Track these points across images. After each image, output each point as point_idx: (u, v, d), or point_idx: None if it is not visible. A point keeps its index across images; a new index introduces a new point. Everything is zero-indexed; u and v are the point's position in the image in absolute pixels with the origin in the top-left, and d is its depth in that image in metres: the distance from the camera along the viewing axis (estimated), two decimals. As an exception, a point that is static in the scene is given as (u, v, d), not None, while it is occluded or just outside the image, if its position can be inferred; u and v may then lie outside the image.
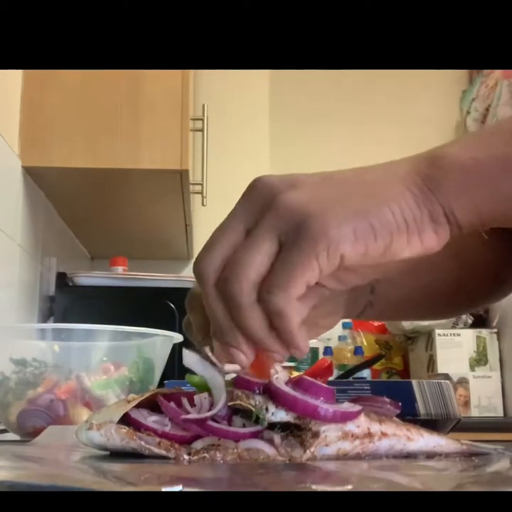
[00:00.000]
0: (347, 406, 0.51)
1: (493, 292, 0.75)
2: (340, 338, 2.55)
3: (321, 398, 0.50)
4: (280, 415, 0.50)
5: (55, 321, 1.79)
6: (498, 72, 2.10)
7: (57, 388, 0.83)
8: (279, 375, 0.51)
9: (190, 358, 0.54)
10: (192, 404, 0.52)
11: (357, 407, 0.50)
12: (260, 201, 0.43)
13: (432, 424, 0.70)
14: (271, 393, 0.50)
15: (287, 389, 0.50)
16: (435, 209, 0.42)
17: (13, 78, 1.63)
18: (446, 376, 2.16)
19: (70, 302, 1.84)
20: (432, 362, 2.29)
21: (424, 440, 0.53)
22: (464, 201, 0.42)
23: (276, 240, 0.42)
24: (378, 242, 0.42)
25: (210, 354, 0.54)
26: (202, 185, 1.98)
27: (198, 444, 0.50)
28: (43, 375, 0.84)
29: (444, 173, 0.42)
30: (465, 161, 0.42)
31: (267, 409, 0.50)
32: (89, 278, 1.91)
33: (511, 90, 1.81)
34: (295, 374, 0.54)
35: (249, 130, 2.72)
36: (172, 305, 1.79)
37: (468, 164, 0.42)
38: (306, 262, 0.40)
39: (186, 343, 0.57)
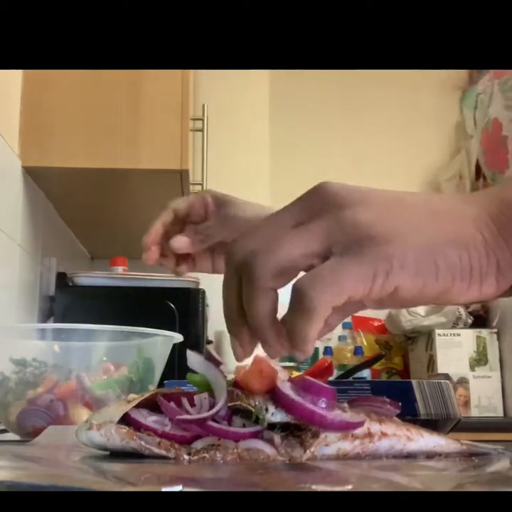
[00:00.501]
0: (350, 415, 0.51)
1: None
2: (340, 338, 2.55)
3: (323, 398, 0.51)
4: (280, 416, 0.50)
5: (55, 321, 1.79)
6: (491, 71, 2.08)
7: (57, 388, 0.83)
8: (282, 376, 0.51)
9: (194, 359, 0.54)
10: (192, 404, 0.52)
11: (361, 418, 0.50)
12: (321, 206, 0.41)
13: (432, 424, 0.70)
14: (274, 394, 0.50)
15: (297, 398, 0.50)
16: (505, 260, 0.40)
17: (13, 78, 1.62)
18: (446, 376, 2.16)
19: (70, 302, 1.84)
20: (432, 362, 2.29)
21: (424, 440, 0.53)
22: None
23: (326, 245, 0.40)
24: (439, 282, 0.39)
25: (214, 353, 0.54)
26: (202, 185, 1.98)
27: (198, 444, 0.50)
28: (43, 375, 0.84)
29: None
30: None
31: (266, 410, 0.50)
32: (89, 278, 1.91)
33: (503, 89, 1.78)
34: (295, 374, 0.54)
35: (249, 130, 2.72)
36: (172, 305, 1.79)
37: None
38: (361, 277, 0.38)
39: (190, 345, 0.58)
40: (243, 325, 0.43)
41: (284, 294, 0.42)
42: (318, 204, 0.41)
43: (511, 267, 0.40)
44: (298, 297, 0.39)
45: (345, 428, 0.50)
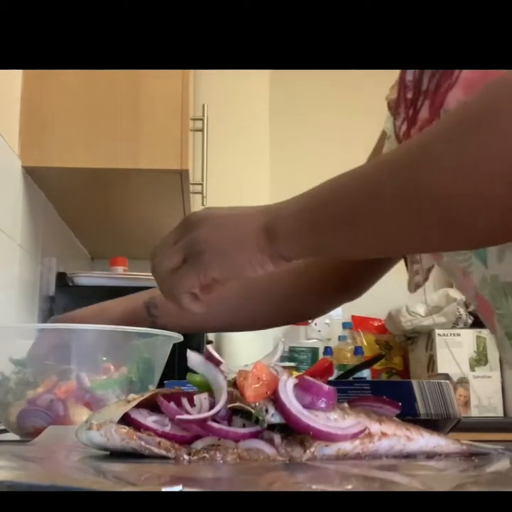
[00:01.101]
0: (352, 422, 0.51)
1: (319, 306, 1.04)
2: (340, 338, 2.55)
3: (323, 399, 0.50)
4: (280, 417, 0.50)
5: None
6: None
7: (57, 388, 0.83)
8: (286, 380, 0.51)
9: (194, 359, 0.54)
10: (192, 404, 0.52)
11: (360, 426, 0.50)
12: (185, 230, 0.67)
13: (432, 424, 0.70)
14: (274, 397, 0.50)
15: (294, 409, 0.49)
16: (273, 254, 0.63)
17: (13, 78, 1.62)
18: (446, 376, 2.16)
19: (70, 302, 1.84)
20: (432, 362, 2.29)
21: (424, 440, 0.53)
22: (292, 249, 0.63)
23: (182, 256, 0.66)
24: (236, 271, 0.65)
25: (214, 353, 0.54)
26: (202, 185, 1.98)
27: (198, 444, 0.50)
28: (43, 375, 0.84)
29: (280, 234, 0.62)
30: (292, 227, 0.62)
31: (266, 411, 0.50)
32: (89, 278, 1.91)
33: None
34: (295, 374, 0.54)
35: (249, 130, 2.72)
36: (172, 305, 1.79)
37: (294, 229, 0.62)
38: (191, 276, 0.65)
39: (190, 345, 0.58)
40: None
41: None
42: (184, 228, 0.67)
43: (278, 257, 0.63)
44: (164, 289, 0.68)
45: (343, 439, 0.50)
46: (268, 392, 0.50)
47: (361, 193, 0.57)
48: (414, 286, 0.90)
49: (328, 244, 0.62)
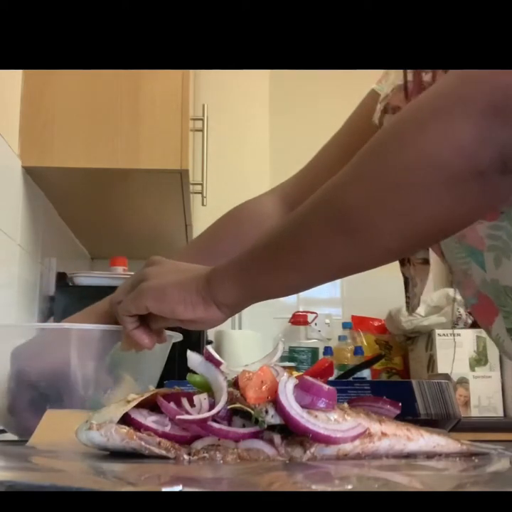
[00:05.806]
0: (352, 424, 0.51)
1: None
2: (340, 338, 2.55)
3: (322, 399, 0.50)
4: (280, 418, 0.50)
5: (55, 321, 1.79)
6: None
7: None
8: (286, 380, 0.51)
9: (194, 359, 0.54)
10: (192, 404, 0.52)
11: (359, 429, 0.50)
12: (140, 269, 0.76)
13: (432, 424, 0.70)
14: (275, 399, 0.50)
15: (293, 412, 0.49)
16: (206, 298, 0.69)
17: (13, 78, 1.62)
18: (446, 376, 2.16)
19: (70, 302, 1.84)
20: (432, 362, 2.29)
21: (424, 440, 0.53)
22: (225, 294, 0.68)
23: (130, 286, 0.76)
24: (168, 307, 0.70)
25: (214, 353, 0.54)
26: (202, 185, 1.98)
27: (198, 444, 0.50)
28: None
29: (216, 279, 0.69)
30: (225, 272, 0.69)
31: (266, 412, 0.50)
32: (89, 278, 1.91)
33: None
34: (295, 374, 0.54)
35: (249, 130, 2.72)
36: (172, 305, 1.79)
37: (227, 274, 0.69)
38: (129, 301, 0.73)
39: (190, 345, 0.58)
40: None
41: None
42: (141, 269, 0.76)
43: (212, 303, 0.69)
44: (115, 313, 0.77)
45: (343, 442, 0.50)
46: (269, 397, 0.50)
47: (282, 231, 0.65)
48: (412, 308, 0.93)
49: (258, 287, 0.68)
